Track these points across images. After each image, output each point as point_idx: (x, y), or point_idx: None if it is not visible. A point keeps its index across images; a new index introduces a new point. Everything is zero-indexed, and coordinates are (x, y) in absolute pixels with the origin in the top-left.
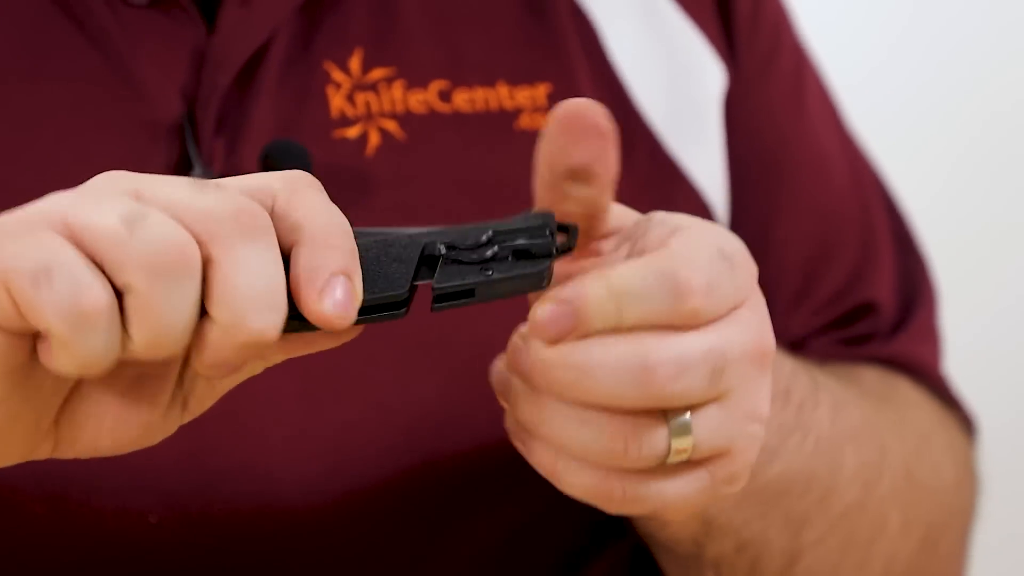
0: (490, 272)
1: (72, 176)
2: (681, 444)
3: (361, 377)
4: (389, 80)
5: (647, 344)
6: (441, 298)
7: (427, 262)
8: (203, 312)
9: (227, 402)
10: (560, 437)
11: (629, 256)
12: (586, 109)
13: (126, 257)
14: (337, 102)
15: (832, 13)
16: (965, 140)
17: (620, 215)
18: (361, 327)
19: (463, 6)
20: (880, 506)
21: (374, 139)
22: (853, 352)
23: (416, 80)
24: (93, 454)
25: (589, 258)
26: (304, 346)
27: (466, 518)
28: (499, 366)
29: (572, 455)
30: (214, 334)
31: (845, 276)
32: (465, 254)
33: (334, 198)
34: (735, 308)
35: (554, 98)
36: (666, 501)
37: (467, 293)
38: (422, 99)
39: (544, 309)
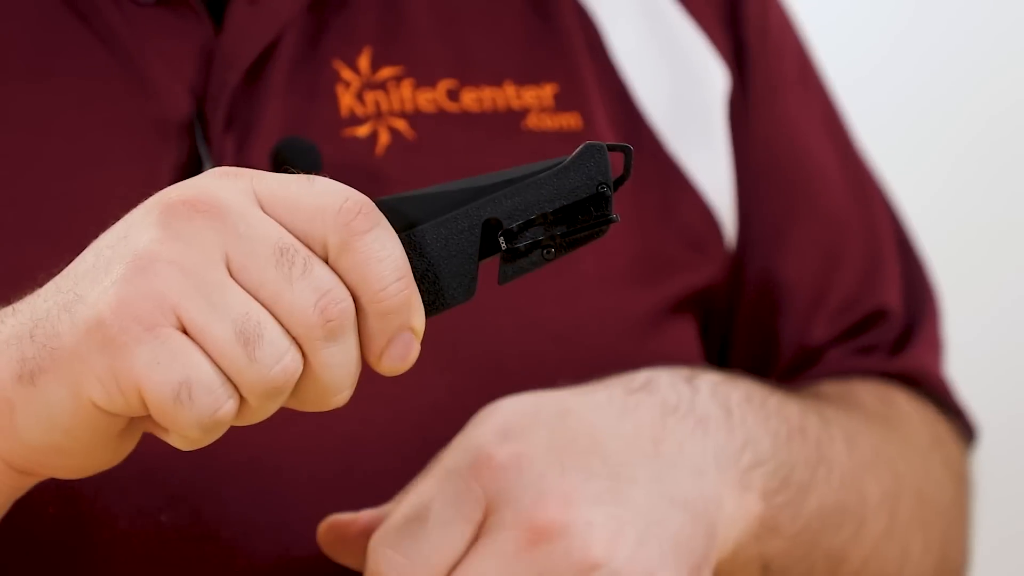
0: (553, 249)
1: (83, 173)
2: None
3: (371, 375)
4: (398, 79)
5: None
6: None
7: (487, 232)
8: None
9: None
10: None
11: None
12: None
13: (245, 380)
14: (347, 100)
15: (832, 14)
16: (964, 141)
17: None
18: None
19: (470, 6)
20: (904, 532)
21: (384, 138)
22: (862, 363)
23: (425, 79)
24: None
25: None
26: None
27: None
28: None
29: None
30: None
31: (855, 283)
32: (527, 233)
33: None
34: None
35: (560, 98)
36: None
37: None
38: (431, 98)
39: None
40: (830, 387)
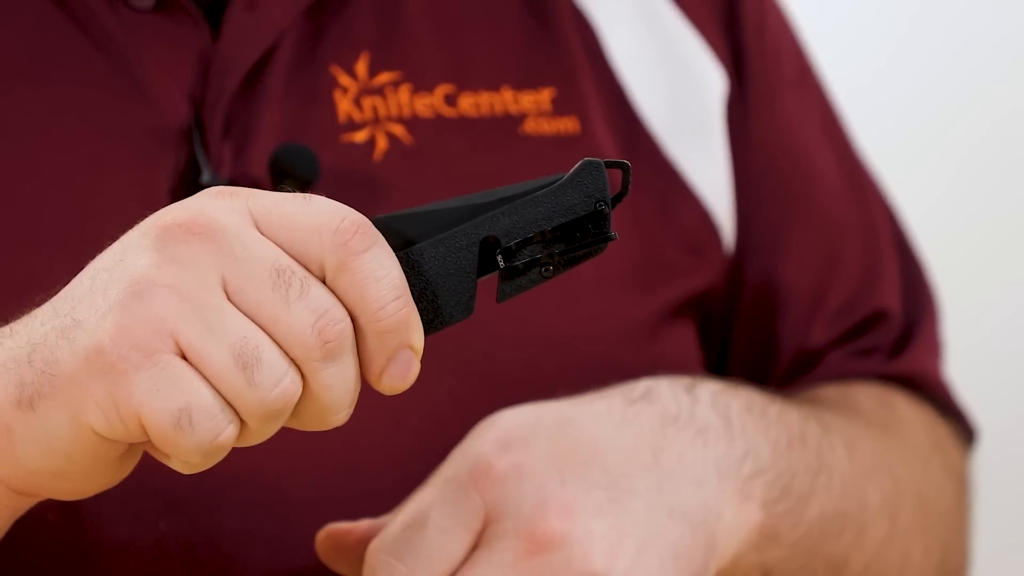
0: (551, 268)
1: (81, 180)
2: None
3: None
4: (395, 84)
5: None
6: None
7: (485, 250)
8: None
9: None
10: None
11: None
12: None
13: (244, 404)
14: (344, 106)
15: (833, 20)
16: (965, 146)
17: None
18: None
19: (467, 10)
20: (905, 537)
21: (382, 144)
22: (862, 366)
23: (422, 84)
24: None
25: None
26: None
27: None
28: None
29: None
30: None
31: (854, 285)
32: (525, 251)
33: (342, 203)
34: None
35: (558, 102)
36: None
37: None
38: (428, 103)
39: None
40: (829, 391)
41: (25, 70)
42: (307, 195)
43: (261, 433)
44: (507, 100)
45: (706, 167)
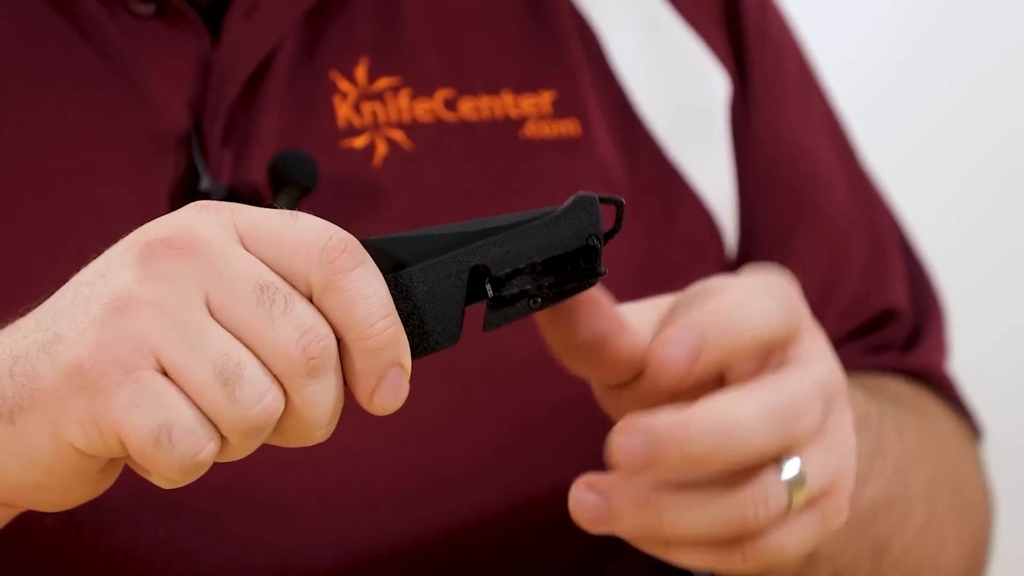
0: (539, 300)
1: (80, 186)
2: (799, 490)
3: None
4: (395, 89)
5: (775, 391)
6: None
7: (475, 278)
8: None
9: None
10: (685, 526)
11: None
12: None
13: (226, 420)
14: (343, 112)
15: (839, 31)
16: (972, 157)
17: (640, 315)
18: None
19: (466, 14)
20: (941, 524)
21: (381, 149)
22: (877, 361)
23: (422, 89)
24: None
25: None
26: None
27: (477, 522)
28: (583, 493)
29: (696, 540)
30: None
31: (862, 284)
32: (515, 282)
33: (342, 209)
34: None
35: (559, 105)
36: (786, 552)
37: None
38: (428, 108)
39: (631, 443)
40: (865, 379)
41: (26, 74)
42: (294, 212)
43: (242, 449)
44: (507, 104)
45: (709, 168)
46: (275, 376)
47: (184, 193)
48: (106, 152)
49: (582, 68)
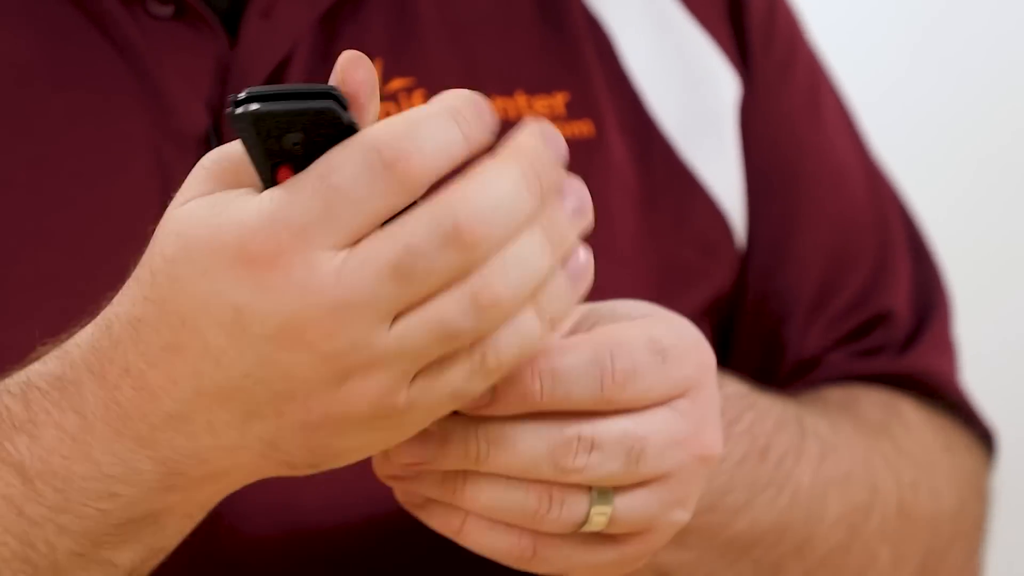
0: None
1: (98, 185)
2: (599, 516)
3: None
4: (409, 90)
5: (563, 426)
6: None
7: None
8: None
9: None
10: (481, 501)
11: None
12: None
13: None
14: None
15: (849, 29)
16: (982, 156)
17: None
18: None
19: (480, 15)
20: (867, 545)
21: None
22: (867, 365)
23: (436, 90)
24: None
25: None
26: None
27: None
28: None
29: (490, 517)
30: None
31: (861, 287)
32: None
33: None
34: (668, 399)
35: (572, 107)
36: (572, 567)
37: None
38: None
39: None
40: (834, 393)
41: (46, 73)
42: None
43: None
44: (521, 105)
45: (719, 168)
46: None
47: None
48: (125, 152)
49: (595, 69)
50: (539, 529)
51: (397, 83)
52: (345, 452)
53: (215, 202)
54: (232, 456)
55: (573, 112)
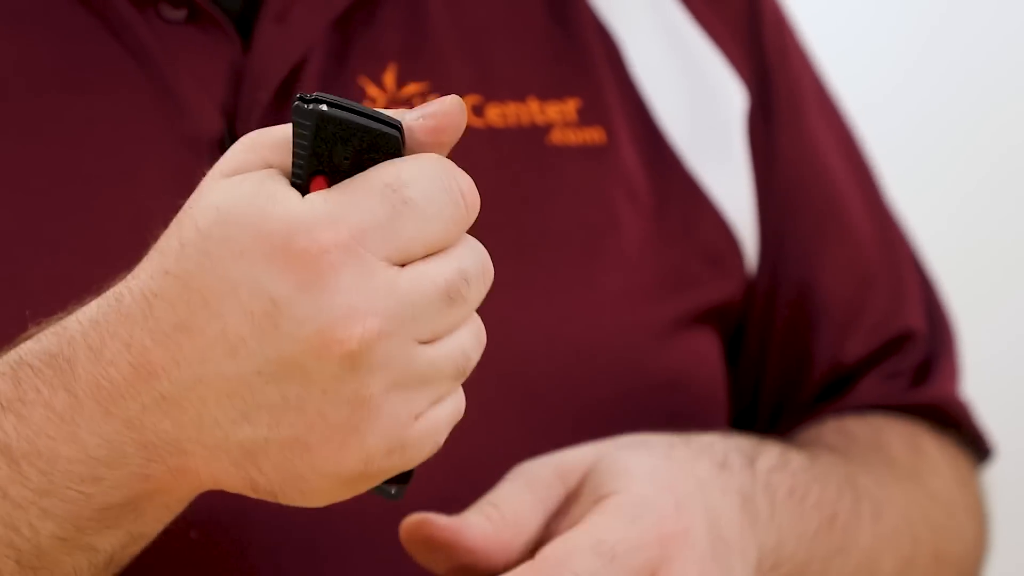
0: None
1: (113, 189)
2: None
3: None
4: (423, 95)
5: None
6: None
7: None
8: None
9: None
10: None
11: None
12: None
13: None
14: None
15: (848, 37)
16: (981, 164)
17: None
18: None
19: (492, 22)
20: None
21: None
22: (892, 393)
23: (449, 94)
24: None
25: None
26: None
27: None
28: None
29: None
30: None
31: (884, 303)
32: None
33: None
34: None
35: (583, 113)
36: None
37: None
38: None
39: None
40: (861, 430)
41: (61, 76)
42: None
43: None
44: (533, 110)
45: (727, 181)
46: None
47: None
48: (140, 155)
49: (605, 76)
50: None
51: (411, 88)
52: (313, 490)
53: (263, 182)
54: (208, 456)
55: (585, 119)
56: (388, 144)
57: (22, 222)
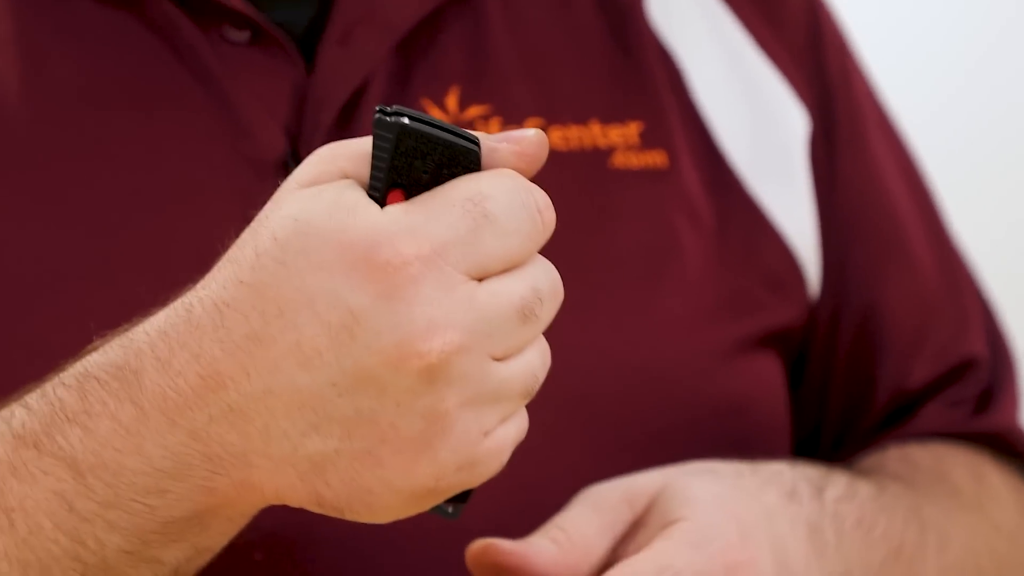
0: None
1: (177, 209)
2: None
3: None
4: (486, 118)
5: None
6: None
7: None
8: None
9: None
10: None
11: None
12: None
13: None
14: None
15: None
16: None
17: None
18: None
19: (554, 46)
20: None
21: None
22: (956, 421)
23: (512, 118)
24: None
25: None
26: None
27: None
28: None
29: None
30: None
31: (948, 330)
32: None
33: None
34: None
35: (645, 136)
36: None
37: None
38: None
39: None
40: (924, 458)
41: (125, 97)
42: None
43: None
44: (595, 133)
45: (788, 204)
46: None
47: None
48: (205, 176)
49: (667, 99)
50: None
51: (474, 110)
52: (381, 505)
53: (342, 193)
54: (274, 469)
55: (647, 142)
56: (467, 159)
57: (87, 242)
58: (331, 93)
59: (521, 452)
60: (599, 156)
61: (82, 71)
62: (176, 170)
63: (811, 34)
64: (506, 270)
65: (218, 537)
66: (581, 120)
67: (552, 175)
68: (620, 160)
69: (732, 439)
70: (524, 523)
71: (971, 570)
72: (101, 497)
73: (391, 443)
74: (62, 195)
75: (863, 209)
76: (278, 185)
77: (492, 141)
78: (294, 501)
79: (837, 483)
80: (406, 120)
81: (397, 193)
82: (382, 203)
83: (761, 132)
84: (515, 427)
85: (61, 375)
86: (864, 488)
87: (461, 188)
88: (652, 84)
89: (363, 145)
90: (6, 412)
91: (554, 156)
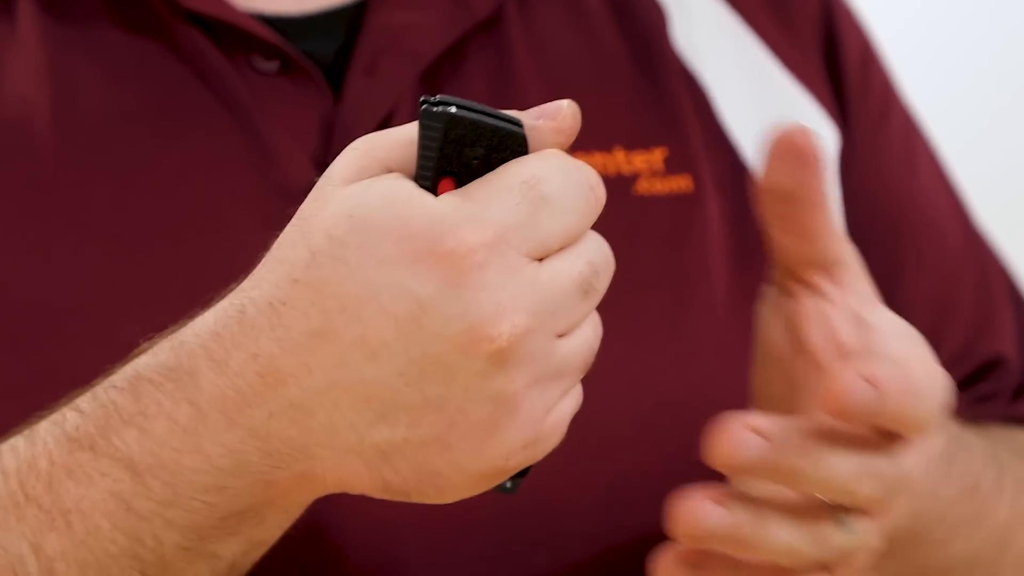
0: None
1: (205, 238)
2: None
3: None
4: None
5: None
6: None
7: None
8: None
9: None
10: (774, 545)
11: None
12: (792, 135)
13: None
14: None
15: (938, 77)
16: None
17: (843, 247)
18: None
19: (578, 72)
20: None
21: None
22: (987, 411)
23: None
24: None
25: (808, 291)
26: None
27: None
28: (744, 434)
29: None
30: None
31: (968, 334)
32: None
33: None
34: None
35: (670, 162)
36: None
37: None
38: None
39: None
40: (994, 432)
41: (153, 125)
42: None
43: None
44: (620, 161)
45: None
46: None
47: None
48: (231, 204)
49: (693, 124)
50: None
51: None
52: (451, 487)
53: (394, 186)
54: (338, 459)
55: (671, 167)
56: (515, 142)
57: (114, 268)
58: (358, 122)
59: (542, 474)
60: (623, 183)
61: (112, 99)
62: (204, 197)
63: (829, 47)
64: (562, 248)
65: (273, 529)
66: (605, 147)
67: None
68: (644, 187)
69: None
70: (542, 550)
71: None
72: (160, 496)
73: (460, 427)
74: (90, 220)
75: (877, 216)
76: None
77: (530, 119)
78: (358, 488)
79: None
80: (453, 109)
81: (448, 181)
82: (433, 192)
83: None
84: (572, 400)
85: (111, 378)
86: (952, 425)
87: (515, 172)
88: (676, 109)
89: (400, 135)
90: (57, 416)
91: None
